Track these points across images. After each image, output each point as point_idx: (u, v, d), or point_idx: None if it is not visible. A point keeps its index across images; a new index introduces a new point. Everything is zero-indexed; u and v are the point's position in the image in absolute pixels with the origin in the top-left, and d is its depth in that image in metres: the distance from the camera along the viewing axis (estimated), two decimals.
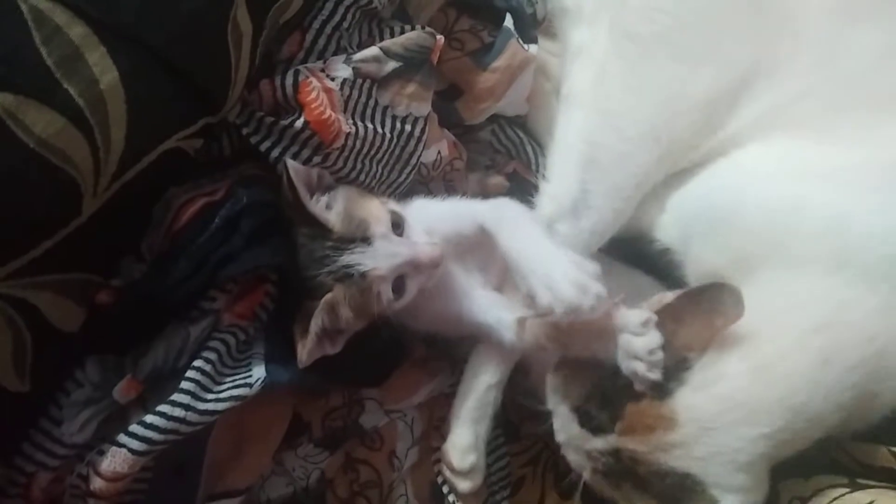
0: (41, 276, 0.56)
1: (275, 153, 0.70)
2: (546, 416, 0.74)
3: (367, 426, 0.78)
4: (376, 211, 0.70)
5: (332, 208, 0.69)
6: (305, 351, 0.64)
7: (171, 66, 0.60)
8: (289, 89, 0.69)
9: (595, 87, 0.80)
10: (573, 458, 0.70)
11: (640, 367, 0.63)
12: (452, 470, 0.76)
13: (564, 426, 0.70)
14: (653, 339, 0.64)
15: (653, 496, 0.65)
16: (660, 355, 0.63)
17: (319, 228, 0.68)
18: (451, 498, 0.78)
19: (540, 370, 0.78)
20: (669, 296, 0.69)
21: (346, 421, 0.76)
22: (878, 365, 0.63)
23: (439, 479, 0.80)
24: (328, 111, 0.69)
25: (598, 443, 0.66)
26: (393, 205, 0.73)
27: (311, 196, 0.69)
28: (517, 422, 0.88)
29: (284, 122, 0.69)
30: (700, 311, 0.65)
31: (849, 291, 0.65)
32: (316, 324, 0.64)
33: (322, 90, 0.70)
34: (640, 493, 0.65)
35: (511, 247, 0.72)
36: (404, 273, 0.68)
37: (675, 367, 0.64)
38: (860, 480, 0.67)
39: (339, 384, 0.77)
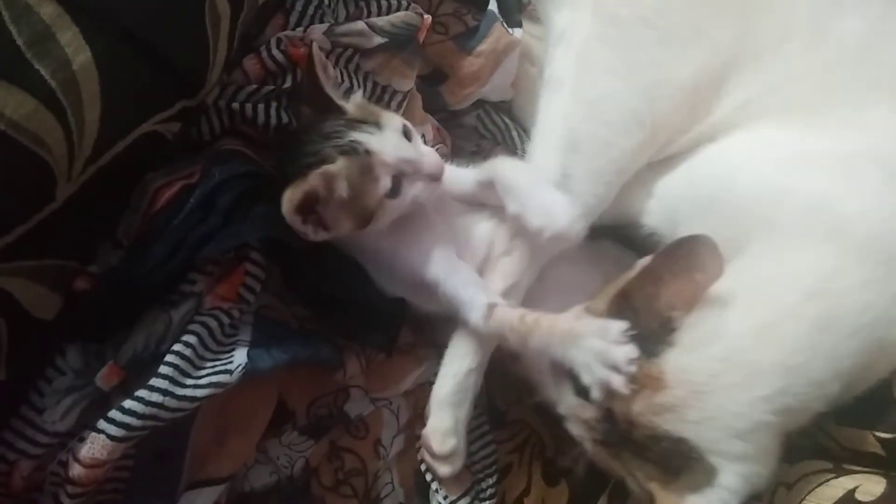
0: (14, 262, 0.55)
1: (261, 118, 0.71)
2: (535, 392, 0.75)
3: (352, 414, 0.77)
4: (389, 115, 0.71)
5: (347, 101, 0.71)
6: (291, 201, 0.62)
7: (147, 47, 0.60)
8: (279, 56, 0.71)
9: (577, 72, 0.79)
10: (575, 431, 0.70)
11: (617, 380, 0.61)
12: (432, 455, 0.75)
13: (563, 397, 0.70)
14: (632, 350, 0.62)
15: (652, 464, 0.63)
16: (633, 368, 0.62)
17: (332, 111, 0.68)
18: (434, 486, 0.78)
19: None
20: (646, 260, 0.68)
21: (332, 409, 0.75)
22: (871, 337, 0.62)
23: (422, 467, 0.79)
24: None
25: (594, 410, 0.65)
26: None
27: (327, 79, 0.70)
28: (503, 408, 0.88)
29: (276, 85, 0.70)
30: (679, 268, 0.63)
31: (838, 261, 0.64)
32: (312, 182, 0.63)
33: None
34: (639, 462, 0.64)
35: (510, 176, 0.74)
36: (405, 172, 0.68)
37: (660, 329, 0.63)
38: (846, 466, 0.67)
39: (351, 345, 0.75)
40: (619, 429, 0.64)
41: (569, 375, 0.67)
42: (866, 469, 0.65)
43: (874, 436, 0.67)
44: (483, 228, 0.79)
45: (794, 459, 0.69)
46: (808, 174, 0.71)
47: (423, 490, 0.80)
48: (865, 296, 0.63)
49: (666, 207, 0.80)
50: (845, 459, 0.68)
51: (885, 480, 0.63)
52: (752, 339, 0.62)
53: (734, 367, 0.61)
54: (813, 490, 0.65)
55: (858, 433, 0.68)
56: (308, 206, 0.64)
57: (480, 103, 0.90)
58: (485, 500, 0.80)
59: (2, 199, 0.53)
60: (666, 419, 0.61)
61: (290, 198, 0.62)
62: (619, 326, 0.63)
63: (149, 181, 0.67)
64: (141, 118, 0.61)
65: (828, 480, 0.65)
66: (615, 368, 0.62)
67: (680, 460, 0.61)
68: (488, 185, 0.75)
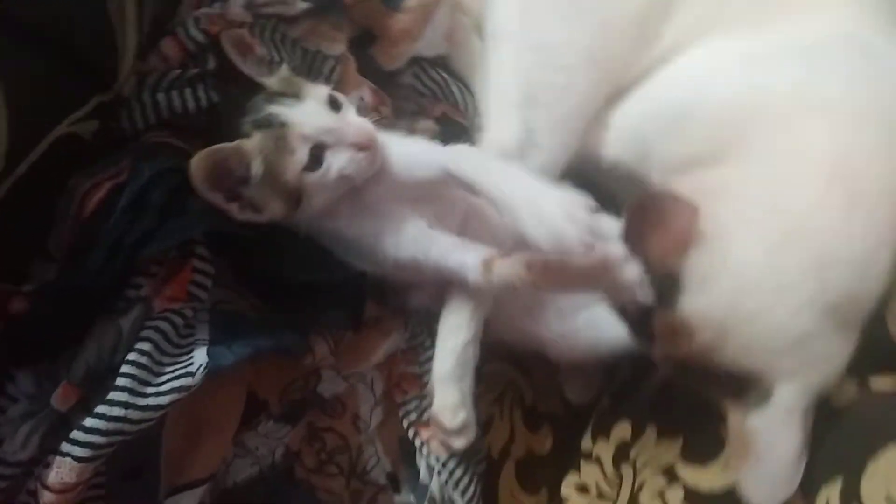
0: None
1: (190, 104, 0.68)
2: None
3: (326, 394, 0.75)
4: (314, 87, 0.68)
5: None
6: (196, 171, 0.60)
7: (48, 42, 0.55)
8: (198, 35, 0.69)
9: (522, 22, 0.77)
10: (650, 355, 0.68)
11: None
12: (445, 430, 0.74)
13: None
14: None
15: (716, 388, 0.63)
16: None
17: (252, 88, 0.65)
18: (423, 450, 0.77)
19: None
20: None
21: (304, 392, 0.74)
22: None
23: (410, 433, 0.78)
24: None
25: (656, 350, 0.65)
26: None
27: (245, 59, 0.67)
28: (479, 364, 0.87)
29: (200, 67, 0.68)
30: (652, 224, 0.62)
31: (845, 135, 0.62)
32: (217, 151, 0.61)
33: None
34: (708, 387, 0.64)
35: (490, 183, 0.68)
36: (326, 143, 0.65)
37: (665, 280, 0.61)
38: None
39: (317, 328, 0.73)
40: (682, 367, 0.64)
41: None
42: None
43: None
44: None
45: None
46: (778, 69, 0.69)
47: (409, 456, 0.80)
48: (883, 156, 0.62)
49: (629, 136, 0.79)
50: None
51: (857, 383, 0.63)
52: (764, 253, 0.60)
53: (753, 290, 0.59)
54: None
55: None
56: (222, 182, 0.62)
57: (416, 60, 0.87)
58: (472, 456, 0.79)
59: None
60: (709, 358, 0.60)
61: (194, 167, 0.60)
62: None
63: (74, 186, 0.63)
64: (53, 120, 0.57)
65: None
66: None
67: (736, 385, 0.61)
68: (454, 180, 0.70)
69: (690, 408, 0.72)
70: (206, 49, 0.71)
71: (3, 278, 0.58)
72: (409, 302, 0.80)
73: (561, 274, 0.66)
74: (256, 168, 0.63)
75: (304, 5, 0.72)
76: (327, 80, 0.77)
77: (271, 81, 0.67)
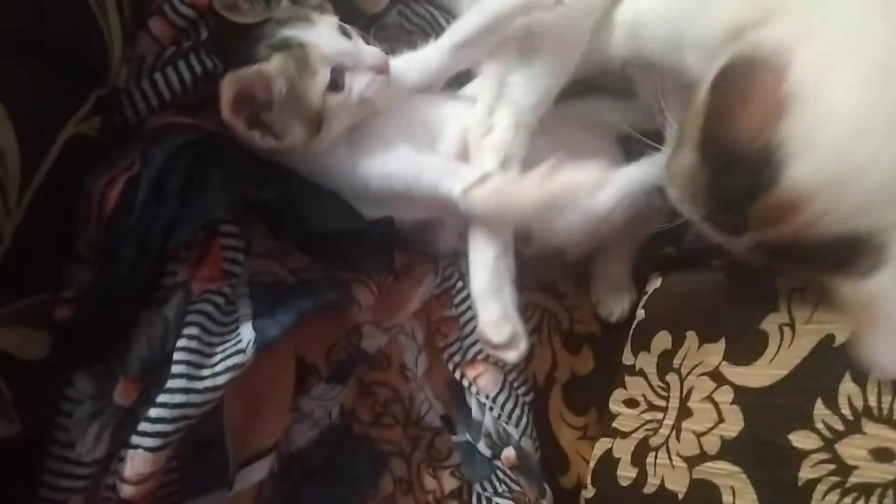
0: None
1: (186, 75, 0.68)
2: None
3: (370, 350, 0.77)
4: (320, 14, 0.70)
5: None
6: (226, 99, 0.62)
7: (36, 45, 0.54)
8: (186, 10, 0.68)
9: None
10: (739, 254, 0.63)
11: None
12: (493, 346, 0.75)
13: (708, 233, 0.64)
14: None
15: (821, 264, 0.59)
16: None
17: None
18: (473, 389, 0.79)
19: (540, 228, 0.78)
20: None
21: (349, 351, 0.75)
22: None
23: (456, 374, 0.80)
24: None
25: (745, 240, 0.60)
26: None
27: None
28: None
29: (193, 40, 0.68)
30: (740, 97, 0.56)
31: None
32: (244, 75, 0.62)
33: None
34: (809, 268, 0.61)
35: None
36: (345, 65, 0.66)
37: (763, 156, 0.55)
38: None
39: (357, 276, 0.73)
40: (778, 252, 0.60)
41: (702, 217, 0.62)
42: None
43: None
44: (451, 114, 0.77)
45: None
46: None
47: (459, 396, 0.82)
48: None
49: (655, 24, 0.74)
50: None
51: None
52: (865, 91, 0.53)
53: (861, 135, 0.53)
54: None
55: None
56: (246, 106, 0.63)
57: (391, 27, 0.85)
58: (519, 387, 0.82)
59: None
60: (824, 225, 0.55)
61: (224, 96, 0.61)
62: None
63: (90, 185, 0.62)
64: (58, 125, 0.56)
65: None
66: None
67: (843, 254, 0.56)
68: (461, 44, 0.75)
69: (728, 311, 0.73)
70: (196, 22, 0.70)
71: (42, 288, 0.59)
72: (436, 245, 0.80)
73: (528, 193, 0.68)
74: (280, 89, 0.64)
75: None
76: None
77: (277, 12, 0.67)
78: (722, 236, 0.62)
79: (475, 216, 0.72)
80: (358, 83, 0.68)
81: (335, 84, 0.66)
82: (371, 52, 0.69)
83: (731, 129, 0.57)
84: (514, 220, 0.73)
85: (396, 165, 0.71)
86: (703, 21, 0.66)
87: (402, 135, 0.74)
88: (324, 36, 0.67)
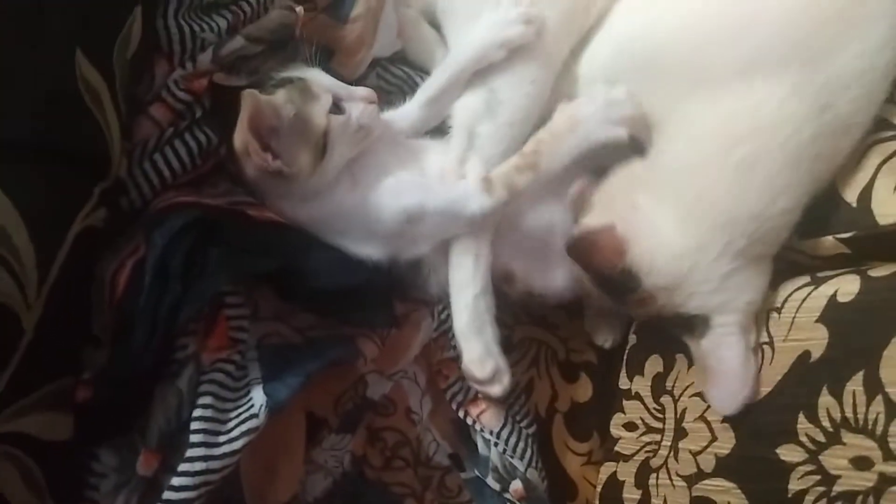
0: (17, 404, 0.56)
1: (182, 152, 0.73)
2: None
3: (376, 397, 0.80)
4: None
5: None
6: (242, 122, 0.68)
7: (43, 151, 0.59)
8: (183, 95, 0.74)
9: None
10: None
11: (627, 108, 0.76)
12: (478, 382, 0.80)
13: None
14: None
15: (679, 331, 0.78)
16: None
17: None
18: (476, 427, 0.83)
19: (522, 274, 0.85)
20: None
21: (356, 400, 0.78)
22: (802, 142, 0.68)
23: (460, 413, 0.84)
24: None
25: (630, 311, 0.82)
26: None
27: None
28: (508, 332, 0.92)
29: (189, 119, 0.74)
30: (586, 254, 0.75)
31: (760, 92, 0.68)
32: (257, 98, 0.68)
33: None
34: (674, 330, 0.79)
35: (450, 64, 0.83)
36: (340, 95, 0.75)
37: (624, 279, 0.74)
38: (820, 274, 0.72)
39: (360, 327, 0.77)
40: (655, 321, 0.79)
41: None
42: (840, 271, 0.70)
43: (835, 238, 0.72)
44: (436, 153, 0.83)
45: (776, 285, 0.74)
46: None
47: (465, 434, 0.85)
48: (787, 108, 0.68)
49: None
50: (819, 268, 0.73)
51: (858, 276, 0.68)
52: (682, 224, 0.72)
53: (683, 255, 0.72)
54: (800, 307, 0.71)
55: (822, 241, 0.73)
56: (257, 130, 0.69)
57: (376, 62, 0.89)
58: (522, 420, 0.85)
59: None
60: (667, 311, 0.75)
61: (243, 112, 0.68)
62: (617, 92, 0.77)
63: (101, 271, 0.67)
64: (68, 221, 0.60)
65: (810, 294, 0.71)
66: (622, 104, 0.77)
67: (687, 324, 0.75)
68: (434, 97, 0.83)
69: None
70: (192, 105, 0.75)
71: (63, 373, 0.63)
72: (428, 289, 0.84)
73: (548, 145, 0.78)
74: (288, 112, 0.70)
75: (258, 48, 0.76)
76: None
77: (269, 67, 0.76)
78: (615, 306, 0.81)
79: (495, 203, 0.78)
80: (355, 109, 0.74)
81: (336, 108, 0.73)
82: (360, 88, 0.77)
83: (595, 265, 0.75)
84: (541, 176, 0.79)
85: (406, 184, 0.78)
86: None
87: (396, 163, 0.80)
88: (318, 76, 0.75)
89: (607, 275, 0.74)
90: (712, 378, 0.73)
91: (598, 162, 0.80)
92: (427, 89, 0.84)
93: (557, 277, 0.86)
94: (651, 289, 0.73)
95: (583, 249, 0.75)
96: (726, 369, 0.72)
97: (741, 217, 0.70)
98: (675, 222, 0.72)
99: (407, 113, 0.85)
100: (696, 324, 0.74)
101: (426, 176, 0.81)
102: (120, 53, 0.66)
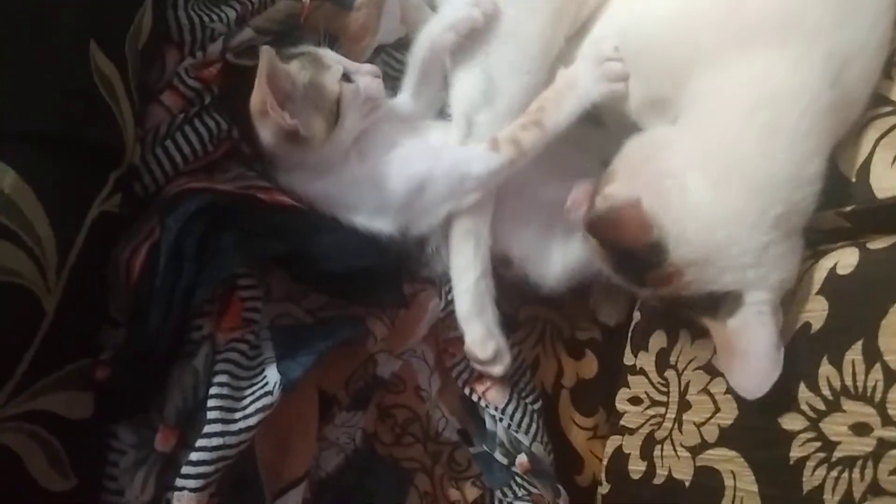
0: (38, 383, 0.58)
1: (194, 138, 0.75)
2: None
3: (386, 375, 0.82)
4: None
5: None
6: (259, 81, 0.71)
7: (60, 139, 0.60)
8: (193, 83, 0.76)
9: None
10: (641, 297, 0.82)
11: (617, 68, 0.78)
12: (481, 362, 0.83)
13: (621, 283, 0.78)
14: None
15: (697, 310, 0.73)
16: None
17: None
18: (482, 403, 0.85)
19: (519, 260, 0.86)
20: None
21: (366, 379, 0.80)
22: (819, 108, 0.67)
23: (466, 391, 0.86)
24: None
25: (644, 291, 0.76)
26: None
27: None
28: (513, 311, 0.94)
29: (199, 105, 0.76)
30: (610, 232, 0.71)
31: (762, 63, 0.68)
32: (275, 63, 0.71)
33: None
34: (691, 312, 0.75)
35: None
36: (348, 69, 0.78)
37: (649, 253, 0.69)
38: (820, 248, 0.73)
39: (370, 307, 0.79)
40: (671, 302, 0.74)
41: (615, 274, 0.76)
42: (839, 245, 0.72)
43: (835, 213, 0.73)
44: (438, 131, 0.85)
45: None
46: None
47: (473, 410, 0.87)
48: (798, 77, 0.67)
49: None
50: (819, 242, 0.74)
51: (857, 249, 0.69)
52: (714, 188, 0.68)
53: (717, 223, 0.68)
54: (801, 279, 0.72)
55: (822, 215, 0.74)
56: (277, 91, 0.72)
57: (380, 49, 0.91)
58: (526, 396, 0.87)
59: (2, 336, 0.55)
60: (692, 288, 0.70)
61: (261, 67, 0.70)
62: (605, 46, 0.79)
63: (116, 255, 0.69)
64: (85, 207, 0.62)
65: (810, 267, 0.72)
66: (610, 62, 0.78)
67: (713, 302, 0.70)
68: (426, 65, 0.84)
69: None
70: (201, 92, 0.77)
71: (83, 353, 0.65)
72: (435, 267, 0.86)
73: (551, 101, 0.79)
74: (302, 78, 0.74)
75: (267, 38, 0.78)
76: None
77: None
78: (628, 286, 0.77)
79: (505, 162, 0.79)
80: (363, 81, 0.77)
81: (347, 77, 0.76)
82: (365, 64, 0.80)
83: (619, 241, 0.71)
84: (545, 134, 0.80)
85: (414, 153, 0.81)
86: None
87: (404, 137, 0.82)
88: (327, 52, 0.79)
89: (630, 251, 0.70)
90: (740, 360, 0.69)
91: (607, 154, 0.81)
92: (407, 84, 0.87)
93: (554, 264, 0.87)
94: (679, 263, 0.68)
95: (606, 226, 0.71)
96: (758, 350, 0.68)
97: (775, 180, 0.67)
98: (707, 188, 0.68)
99: (404, 102, 0.87)
100: (724, 302, 0.70)
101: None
102: (132, 44, 0.68)
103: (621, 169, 0.77)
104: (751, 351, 0.68)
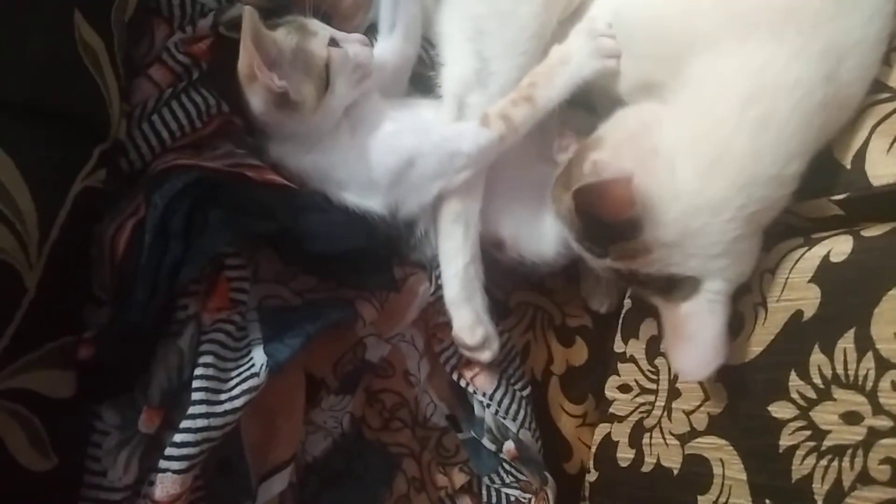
0: (20, 360, 0.57)
1: (181, 114, 0.74)
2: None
3: (374, 360, 0.81)
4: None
5: None
6: (244, 41, 0.70)
7: (42, 111, 0.59)
8: (182, 58, 0.75)
9: None
10: (592, 265, 0.79)
11: (611, 63, 0.77)
12: (469, 348, 0.82)
13: (577, 248, 0.78)
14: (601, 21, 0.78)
15: (651, 290, 0.75)
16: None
17: None
18: (470, 388, 0.84)
19: (512, 241, 0.86)
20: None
21: (355, 363, 0.79)
22: (810, 106, 0.67)
23: (454, 376, 0.85)
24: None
25: (601, 263, 0.76)
26: None
27: None
28: (504, 297, 0.93)
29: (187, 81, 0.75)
30: (595, 203, 0.69)
31: (760, 55, 0.68)
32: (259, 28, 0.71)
33: None
34: (643, 288, 0.76)
35: None
36: (336, 37, 0.77)
37: (625, 226, 0.69)
38: (814, 236, 0.73)
39: (359, 289, 0.78)
40: (624, 276, 0.75)
41: (576, 239, 0.76)
42: (833, 232, 0.71)
43: (829, 200, 0.73)
44: (429, 109, 0.84)
45: (769, 246, 0.75)
46: None
47: (462, 396, 0.87)
48: (793, 72, 0.67)
49: None
50: (812, 230, 0.74)
51: (850, 237, 0.69)
52: (702, 178, 0.68)
53: (696, 211, 0.68)
54: (793, 267, 0.71)
55: (816, 203, 0.74)
56: (265, 55, 0.71)
57: (372, 27, 0.89)
58: (515, 383, 0.87)
59: None
60: (654, 267, 0.71)
61: (245, 24, 0.69)
62: (598, 22, 0.78)
63: (100, 232, 0.67)
64: (68, 181, 0.61)
65: (803, 255, 0.71)
66: (602, 38, 0.77)
67: (674, 285, 0.72)
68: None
69: None
70: (189, 67, 0.76)
71: (66, 331, 0.63)
72: (424, 250, 0.85)
73: (542, 76, 0.78)
74: (289, 43, 0.73)
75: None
76: None
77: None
78: (586, 255, 0.77)
79: (497, 136, 0.78)
80: (351, 48, 0.77)
81: (335, 43, 0.75)
82: (353, 34, 0.79)
83: (600, 212, 0.70)
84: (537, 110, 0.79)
85: (404, 127, 0.80)
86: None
87: (395, 108, 0.82)
88: (316, 22, 0.78)
89: (605, 223, 0.70)
90: (687, 343, 0.71)
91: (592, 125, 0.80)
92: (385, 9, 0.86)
93: (548, 243, 0.86)
94: (650, 242, 0.70)
95: (592, 195, 0.70)
96: (706, 337, 0.70)
97: (759, 179, 0.68)
98: (695, 176, 0.69)
99: (384, 47, 0.86)
100: (681, 285, 0.71)
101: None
102: (118, 16, 0.67)
103: (609, 138, 0.77)
104: (699, 337, 0.70)
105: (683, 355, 0.72)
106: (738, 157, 0.68)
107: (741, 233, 0.69)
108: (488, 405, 0.83)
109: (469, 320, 0.81)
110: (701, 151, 0.69)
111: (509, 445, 0.83)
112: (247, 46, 0.70)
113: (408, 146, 0.78)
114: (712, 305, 0.70)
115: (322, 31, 0.76)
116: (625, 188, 0.68)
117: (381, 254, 0.79)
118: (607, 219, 0.70)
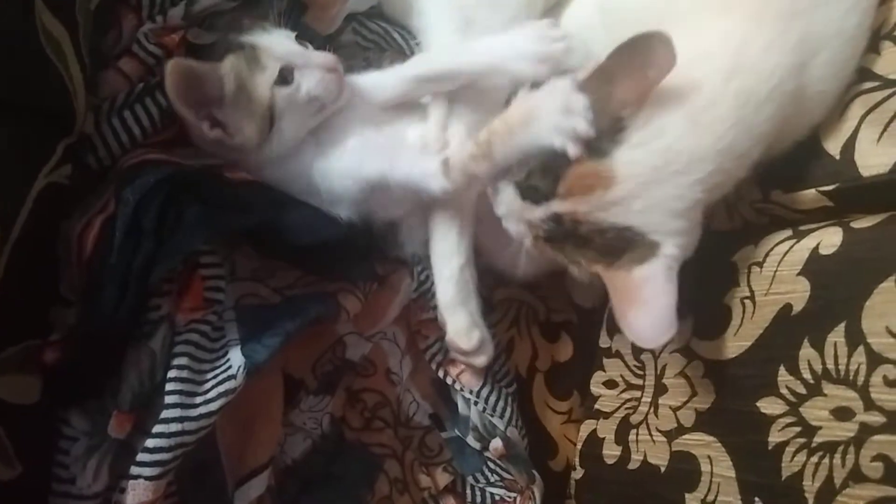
0: None
1: (154, 110, 0.71)
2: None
3: (355, 358, 0.79)
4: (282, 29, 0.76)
5: None
6: (169, 82, 0.66)
7: (2, 105, 0.56)
8: (154, 49, 0.72)
9: None
10: (514, 228, 0.72)
11: (582, 127, 0.63)
12: (464, 353, 0.80)
13: (506, 201, 0.71)
14: (582, 98, 0.65)
15: (595, 251, 0.67)
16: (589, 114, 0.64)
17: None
18: (456, 386, 0.82)
19: (487, 250, 0.83)
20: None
21: (335, 362, 0.77)
22: (783, 96, 0.66)
23: (440, 373, 0.83)
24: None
25: (540, 211, 0.68)
26: None
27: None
28: (487, 293, 0.91)
29: (160, 77, 0.70)
30: (633, 65, 0.63)
31: (740, 33, 0.66)
32: (193, 67, 0.68)
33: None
34: (581, 251, 0.68)
35: (462, 62, 0.78)
36: (295, 63, 0.72)
37: (610, 128, 0.64)
38: (802, 228, 0.71)
39: (342, 280, 0.76)
40: (564, 227, 0.67)
41: (515, 184, 0.70)
42: (822, 224, 0.70)
43: (817, 191, 0.72)
44: (413, 122, 0.81)
45: (758, 239, 0.74)
46: None
47: (445, 394, 0.85)
48: (771, 58, 0.66)
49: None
50: (801, 221, 0.73)
51: (840, 229, 0.68)
52: (689, 127, 0.64)
53: (676, 156, 0.63)
54: (782, 260, 0.70)
55: (805, 194, 0.73)
56: (194, 98, 0.68)
57: (351, 17, 0.87)
58: (502, 379, 0.85)
59: None
60: (613, 213, 0.65)
61: (167, 77, 0.65)
62: (566, 83, 0.67)
63: (67, 229, 0.64)
64: (30, 177, 0.58)
65: (792, 247, 0.70)
66: (577, 118, 0.64)
67: (623, 244, 0.66)
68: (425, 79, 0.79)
69: (694, 289, 0.76)
70: (162, 60, 0.73)
71: (30, 334, 0.61)
72: (405, 248, 0.83)
73: (500, 136, 0.70)
74: (229, 85, 0.69)
75: (232, 3, 0.75)
76: None
77: (237, 26, 0.73)
78: (522, 204, 0.69)
79: (454, 188, 0.73)
80: (307, 80, 0.72)
81: (283, 79, 0.71)
82: (320, 54, 0.74)
83: (609, 91, 0.64)
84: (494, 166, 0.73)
85: (370, 153, 0.75)
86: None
87: (367, 132, 0.77)
88: (277, 40, 0.73)
89: (610, 108, 0.64)
90: (643, 308, 0.65)
91: None
92: (421, 67, 0.80)
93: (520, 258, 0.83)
94: (617, 168, 0.63)
95: (637, 52, 0.63)
96: (661, 304, 0.65)
97: (733, 150, 0.64)
98: (685, 121, 0.64)
99: (386, 84, 0.81)
100: (639, 246, 0.65)
101: (403, 145, 0.79)
102: (83, 4, 0.64)
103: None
104: (654, 304, 0.65)
105: (640, 321, 0.66)
106: (722, 119, 0.64)
107: (701, 198, 0.65)
108: (475, 403, 0.81)
109: (464, 324, 0.79)
110: (692, 102, 0.64)
111: (497, 443, 0.81)
112: (171, 98, 0.67)
113: (370, 175, 0.74)
114: (669, 273, 0.65)
115: (273, 64, 0.71)
116: (669, 53, 0.61)
117: (361, 244, 0.77)
118: (625, 91, 0.63)
